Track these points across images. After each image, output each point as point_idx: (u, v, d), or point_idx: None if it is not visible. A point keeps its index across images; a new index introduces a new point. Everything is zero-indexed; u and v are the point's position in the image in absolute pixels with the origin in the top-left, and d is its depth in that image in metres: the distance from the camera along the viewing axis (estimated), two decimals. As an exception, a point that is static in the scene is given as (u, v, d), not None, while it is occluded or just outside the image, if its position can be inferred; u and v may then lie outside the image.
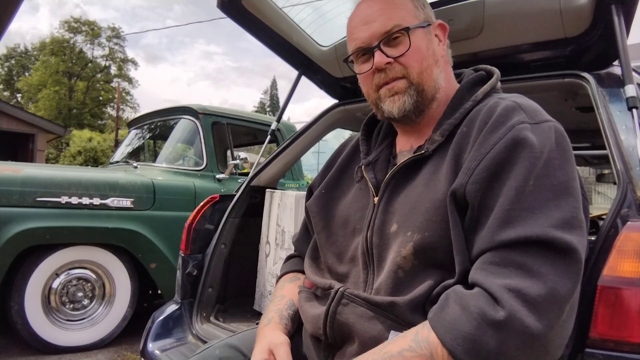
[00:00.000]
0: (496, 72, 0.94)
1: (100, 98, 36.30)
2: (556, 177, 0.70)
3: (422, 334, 0.68)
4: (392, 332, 0.76)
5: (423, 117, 0.91)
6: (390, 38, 0.87)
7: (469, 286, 0.70)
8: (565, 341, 0.70)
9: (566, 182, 0.70)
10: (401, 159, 0.91)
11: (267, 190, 1.95)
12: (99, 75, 36.39)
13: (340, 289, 0.85)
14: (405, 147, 0.95)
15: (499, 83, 0.93)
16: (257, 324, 1.10)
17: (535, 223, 0.66)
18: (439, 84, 0.90)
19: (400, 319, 0.76)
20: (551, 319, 0.63)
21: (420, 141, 0.91)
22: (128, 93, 37.23)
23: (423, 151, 0.85)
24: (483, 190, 0.71)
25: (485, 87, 0.89)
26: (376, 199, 0.88)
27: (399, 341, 0.71)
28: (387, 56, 0.87)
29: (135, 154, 4.06)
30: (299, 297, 0.98)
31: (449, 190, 0.75)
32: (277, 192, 1.87)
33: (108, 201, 2.85)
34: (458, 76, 0.97)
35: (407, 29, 0.86)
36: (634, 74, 1.22)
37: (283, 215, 1.80)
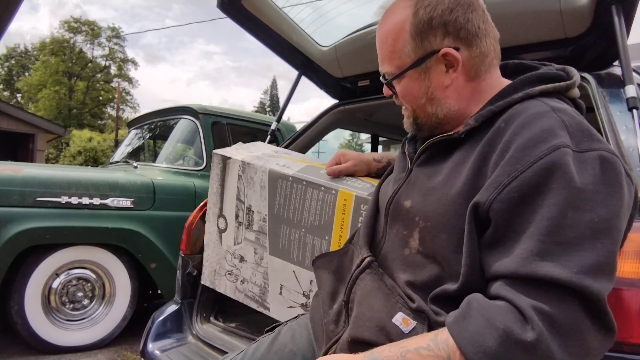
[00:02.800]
0: (573, 76, 0.83)
1: (100, 98, 36.30)
2: (597, 213, 0.64)
3: (442, 335, 0.67)
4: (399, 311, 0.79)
5: (450, 124, 0.88)
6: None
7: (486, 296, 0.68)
8: None
9: (607, 221, 0.64)
10: None
11: (215, 153, 1.59)
12: (99, 75, 36.41)
13: (368, 259, 0.87)
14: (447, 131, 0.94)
15: (576, 91, 0.83)
16: (266, 331, 1.08)
17: (566, 264, 0.62)
18: (443, 112, 0.86)
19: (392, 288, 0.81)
20: (573, 352, 0.61)
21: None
22: (128, 93, 37.25)
23: (452, 132, 0.82)
24: (511, 212, 0.67)
25: (547, 87, 0.79)
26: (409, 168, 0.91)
27: (417, 338, 0.71)
28: (391, 89, 0.91)
29: (135, 154, 4.05)
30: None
31: (471, 202, 0.71)
32: (236, 160, 1.52)
33: (108, 201, 2.85)
34: (524, 70, 0.90)
35: (390, 81, 0.88)
36: (634, 74, 1.22)
37: (248, 191, 1.51)
